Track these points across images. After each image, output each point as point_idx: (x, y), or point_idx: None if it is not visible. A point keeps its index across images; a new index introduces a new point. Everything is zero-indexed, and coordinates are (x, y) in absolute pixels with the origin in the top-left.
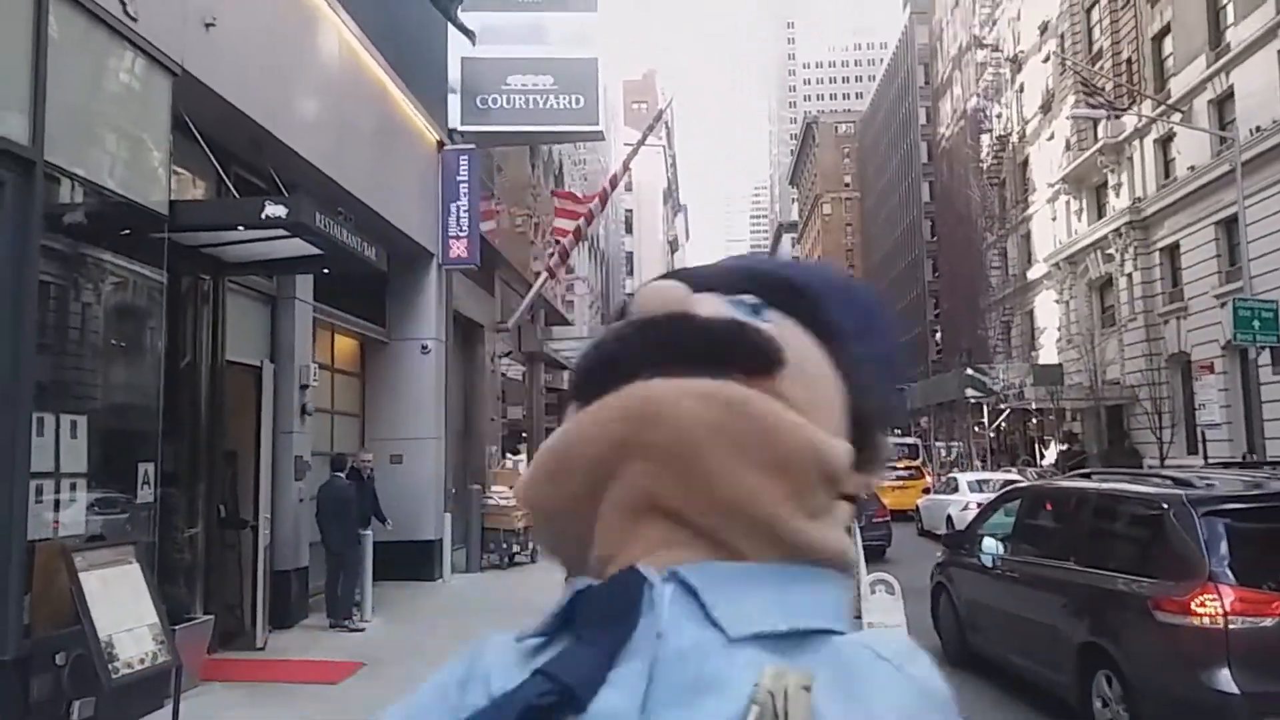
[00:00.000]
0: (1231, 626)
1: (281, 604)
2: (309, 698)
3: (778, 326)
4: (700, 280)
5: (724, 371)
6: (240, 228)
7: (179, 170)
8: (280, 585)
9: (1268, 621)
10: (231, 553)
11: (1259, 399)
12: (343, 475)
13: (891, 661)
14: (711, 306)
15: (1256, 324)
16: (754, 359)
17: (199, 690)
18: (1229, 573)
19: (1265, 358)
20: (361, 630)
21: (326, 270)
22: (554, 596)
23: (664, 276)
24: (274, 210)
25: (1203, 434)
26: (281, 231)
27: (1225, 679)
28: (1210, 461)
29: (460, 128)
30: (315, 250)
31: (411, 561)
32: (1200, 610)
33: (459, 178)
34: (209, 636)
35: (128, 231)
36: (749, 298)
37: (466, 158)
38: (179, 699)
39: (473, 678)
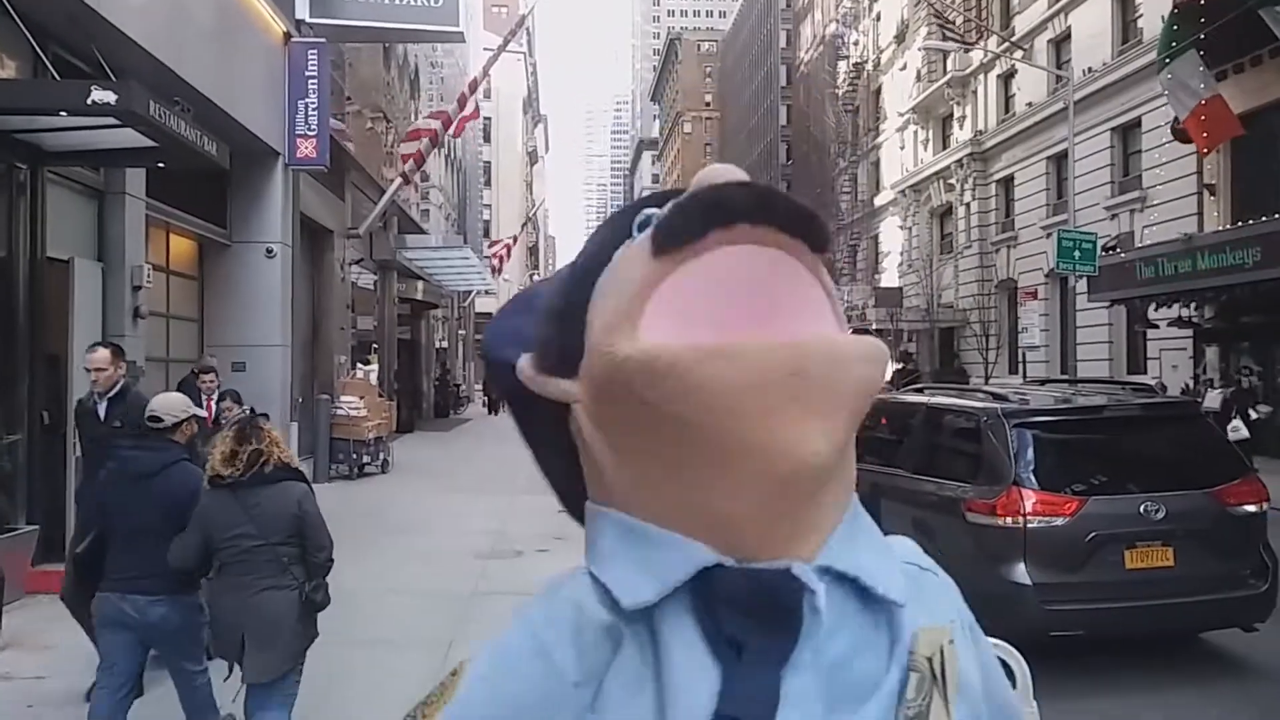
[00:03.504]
0: (1030, 525)
1: None
2: None
3: None
4: None
5: (806, 245)
6: (63, 113)
7: None
8: None
9: (1059, 521)
10: (56, 461)
11: (1074, 324)
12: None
13: (931, 570)
14: None
15: (1077, 254)
16: (824, 238)
17: (23, 603)
18: (1032, 478)
19: (1083, 285)
20: None
21: (161, 165)
22: (400, 505)
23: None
24: (101, 96)
25: (1024, 355)
26: (110, 120)
27: (1021, 572)
28: (1028, 380)
29: (309, 19)
30: (148, 142)
31: None
32: (1004, 511)
33: (307, 73)
34: (33, 547)
35: None
36: None
37: (315, 52)
38: (1, 612)
39: (560, 644)
